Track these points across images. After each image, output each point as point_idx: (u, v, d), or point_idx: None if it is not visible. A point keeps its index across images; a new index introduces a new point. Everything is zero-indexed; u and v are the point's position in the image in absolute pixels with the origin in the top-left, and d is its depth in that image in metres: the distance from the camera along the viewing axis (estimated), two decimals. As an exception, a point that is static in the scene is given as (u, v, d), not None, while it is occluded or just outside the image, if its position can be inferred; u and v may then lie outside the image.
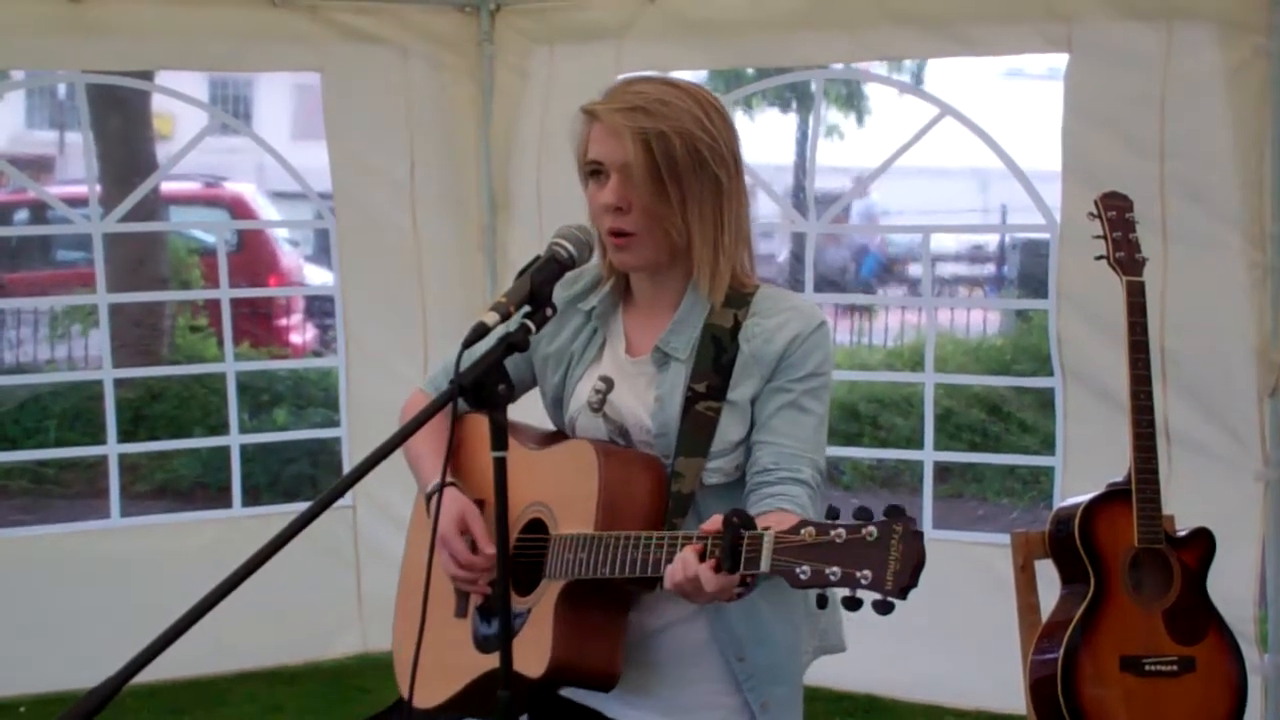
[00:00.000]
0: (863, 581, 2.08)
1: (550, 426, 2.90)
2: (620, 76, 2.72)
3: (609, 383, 2.73)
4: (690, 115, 2.58)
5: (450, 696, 2.76)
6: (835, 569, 2.11)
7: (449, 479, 2.74)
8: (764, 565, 2.18)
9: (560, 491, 2.66)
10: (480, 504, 2.75)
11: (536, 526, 2.67)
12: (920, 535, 2.08)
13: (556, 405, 2.83)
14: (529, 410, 2.91)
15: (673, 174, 2.56)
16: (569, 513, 2.61)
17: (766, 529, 2.21)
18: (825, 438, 2.66)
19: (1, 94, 11.31)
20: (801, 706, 2.81)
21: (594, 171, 2.63)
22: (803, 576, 2.13)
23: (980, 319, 12.69)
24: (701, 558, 2.29)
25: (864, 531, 2.11)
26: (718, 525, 2.27)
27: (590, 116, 2.63)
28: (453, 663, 2.74)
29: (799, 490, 2.56)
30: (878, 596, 2.08)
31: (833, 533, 2.13)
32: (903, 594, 2.08)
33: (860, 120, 18.15)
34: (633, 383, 2.71)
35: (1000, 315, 12.82)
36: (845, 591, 2.11)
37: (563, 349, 2.80)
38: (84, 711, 1.98)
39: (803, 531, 2.15)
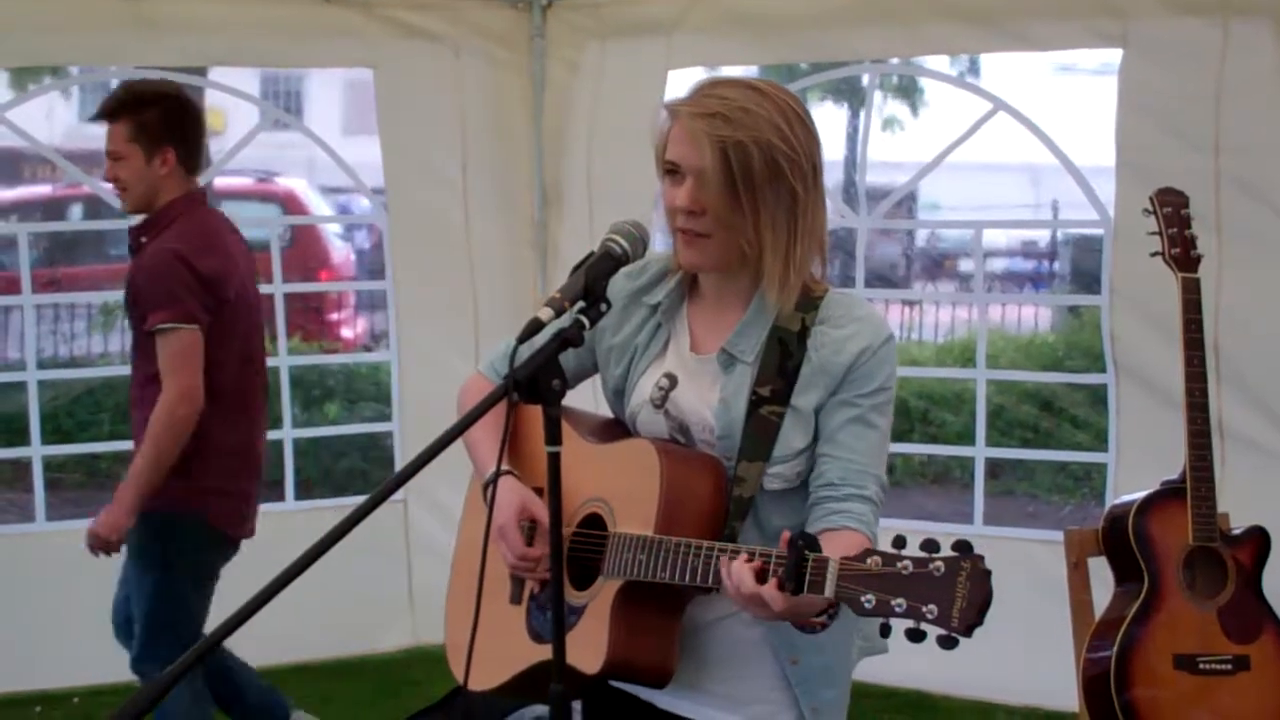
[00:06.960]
0: (928, 616, 2.08)
1: (607, 413, 2.89)
2: (706, 76, 2.66)
3: (673, 380, 2.71)
4: (771, 125, 2.52)
5: (502, 683, 2.76)
6: (900, 601, 2.10)
7: (506, 467, 2.73)
8: (828, 590, 2.17)
9: (620, 489, 2.65)
10: (539, 492, 2.74)
11: (594, 522, 2.67)
12: (989, 575, 2.07)
13: (618, 396, 2.81)
14: (583, 397, 2.89)
15: (748, 185, 2.52)
16: (628, 511, 2.60)
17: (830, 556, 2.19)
18: (888, 451, 2.65)
19: (59, 89, 11.36)
20: (848, 707, 2.80)
21: (670, 170, 2.60)
22: (867, 605, 2.13)
23: (1031, 315, 12.60)
24: (762, 578, 2.28)
25: (931, 566, 2.10)
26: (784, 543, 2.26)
27: (672, 114, 2.59)
28: (505, 650, 2.74)
29: (864, 508, 2.54)
30: (942, 632, 2.07)
31: (899, 564, 2.12)
32: (968, 632, 2.07)
33: (915, 111, 18.05)
34: (696, 381, 2.69)
35: (1051, 311, 12.74)
36: (909, 623, 2.11)
37: (626, 342, 2.78)
38: (142, 702, 1.99)
39: (869, 560, 2.14)
